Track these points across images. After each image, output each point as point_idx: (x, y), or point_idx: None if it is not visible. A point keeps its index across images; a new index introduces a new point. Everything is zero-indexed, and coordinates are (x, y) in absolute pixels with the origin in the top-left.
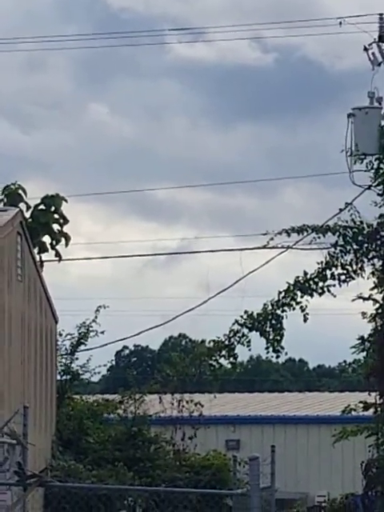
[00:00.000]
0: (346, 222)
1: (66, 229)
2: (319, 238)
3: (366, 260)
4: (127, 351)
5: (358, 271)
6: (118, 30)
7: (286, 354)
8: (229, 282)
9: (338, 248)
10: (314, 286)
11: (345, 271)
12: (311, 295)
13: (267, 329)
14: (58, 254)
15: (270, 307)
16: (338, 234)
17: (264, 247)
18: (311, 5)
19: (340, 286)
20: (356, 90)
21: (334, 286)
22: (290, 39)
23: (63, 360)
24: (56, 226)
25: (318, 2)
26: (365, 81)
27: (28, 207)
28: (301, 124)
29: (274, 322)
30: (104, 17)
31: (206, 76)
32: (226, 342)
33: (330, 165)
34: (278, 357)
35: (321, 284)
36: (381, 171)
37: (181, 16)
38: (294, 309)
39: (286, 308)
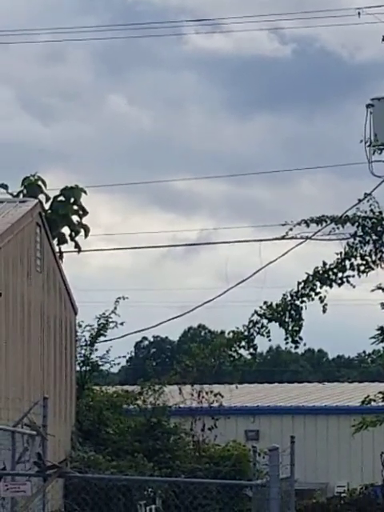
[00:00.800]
0: (365, 212)
1: (85, 220)
2: (338, 228)
3: None
4: (146, 342)
5: (377, 261)
6: (135, 22)
7: (305, 344)
8: (247, 273)
9: (357, 238)
10: (333, 277)
11: (364, 262)
12: (330, 286)
13: (286, 319)
14: (77, 246)
15: (289, 298)
16: (357, 224)
17: (283, 238)
18: None
19: (359, 276)
20: (374, 81)
21: (353, 276)
22: (308, 30)
23: (83, 351)
24: (75, 218)
25: None
26: (381, 71)
27: (47, 198)
28: (318, 115)
29: (293, 312)
30: (121, 8)
31: (224, 67)
32: (246, 333)
33: (347, 156)
34: (296, 347)
35: (340, 274)
36: None
37: (198, 8)
38: (313, 299)
39: (305, 298)
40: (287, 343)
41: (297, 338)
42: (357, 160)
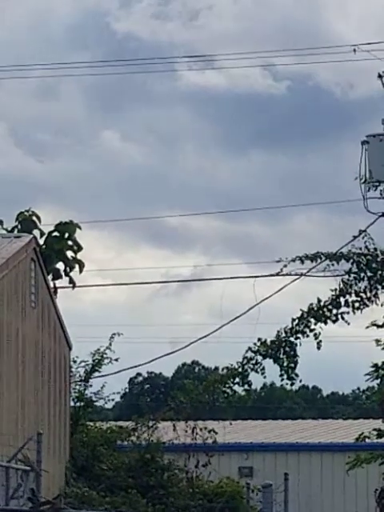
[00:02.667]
0: (360, 249)
1: (79, 255)
2: (333, 265)
3: (379, 287)
4: (140, 378)
5: (372, 298)
6: (127, 58)
7: (301, 381)
8: (241, 310)
9: (352, 275)
10: (328, 313)
11: (359, 298)
12: (325, 322)
13: (281, 356)
14: (71, 281)
15: (283, 334)
16: (351, 261)
17: (277, 274)
18: (323, 32)
19: (354, 313)
20: (368, 118)
21: (348, 313)
22: (302, 67)
23: (77, 387)
24: (70, 253)
25: (330, 29)
26: (378, 108)
27: (42, 234)
28: (312, 152)
29: (287, 349)
30: (114, 44)
31: (218, 103)
32: (240, 370)
33: (341, 193)
34: (292, 384)
35: (335, 311)
36: None
37: (190, 44)
38: (307, 336)
39: (299, 335)
40: (282, 380)
41: (292, 375)
42: (351, 197)
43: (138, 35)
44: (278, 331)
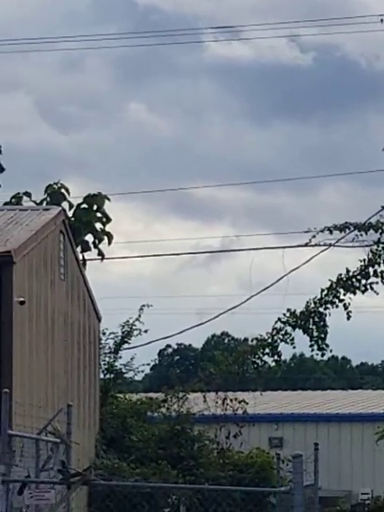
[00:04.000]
0: None
1: (107, 227)
2: (361, 235)
3: None
4: (170, 350)
5: None
6: (152, 29)
7: (331, 351)
8: (269, 281)
9: (381, 245)
10: (357, 284)
11: None
12: (354, 293)
13: (311, 327)
14: (100, 253)
15: (312, 305)
16: (380, 231)
17: (306, 245)
18: (348, 3)
19: (383, 283)
20: None
21: (377, 283)
22: (327, 38)
23: (107, 358)
24: (98, 225)
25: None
26: None
27: (71, 206)
28: (337, 123)
29: (317, 319)
30: (138, 17)
31: (243, 75)
32: (270, 340)
33: (366, 163)
34: (322, 355)
35: (363, 281)
36: None
37: (214, 16)
38: (337, 306)
39: (329, 306)
40: (313, 351)
41: (323, 346)
42: (376, 167)
43: (162, 7)
44: (308, 302)
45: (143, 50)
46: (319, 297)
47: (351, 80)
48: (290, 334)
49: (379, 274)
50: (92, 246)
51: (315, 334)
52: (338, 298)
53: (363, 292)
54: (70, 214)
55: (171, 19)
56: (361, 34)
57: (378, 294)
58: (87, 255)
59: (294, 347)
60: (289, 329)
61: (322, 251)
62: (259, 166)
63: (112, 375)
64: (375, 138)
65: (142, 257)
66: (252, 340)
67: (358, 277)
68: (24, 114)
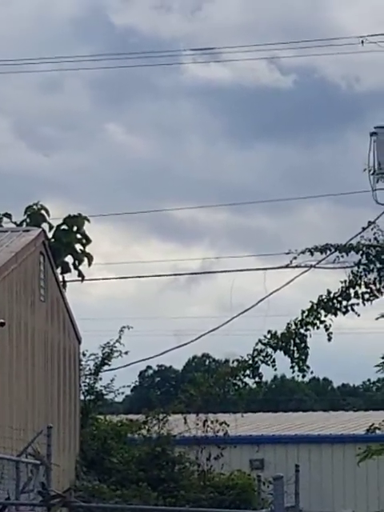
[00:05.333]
0: (369, 240)
1: (87, 249)
2: (342, 256)
3: None
4: (151, 371)
5: (382, 289)
6: (131, 51)
7: (312, 372)
8: (250, 302)
9: (362, 267)
10: (338, 305)
11: (368, 290)
12: (335, 314)
13: (291, 348)
14: (80, 274)
15: (293, 326)
16: (361, 252)
17: (287, 266)
18: (326, 24)
19: (364, 304)
20: (374, 110)
21: (358, 304)
22: (308, 60)
23: (87, 380)
24: (78, 246)
25: (333, 21)
26: (382, 100)
27: (50, 227)
28: (318, 144)
29: (298, 341)
30: (116, 38)
31: (222, 96)
32: (250, 362)
33: (347, 185)
34: (303, 376)
35: (344, 303)
36: None
37: (193, 38)
38: (317, 328)
39: (309, 327)
40: (293, 372)
41: (303, 367)
42: (357, 189)
43: (141, 28)
44: (288, 323)
45: (122, 71)
46: (300, 318)
47: (332, 102)
48: (271, 356)
49: (360, 296)
50: (72, 267)
51: (296, 355)
52: (319, 319)
53: (344, 313)
54: (49, 235)
55: (149, 41)
56: (341, 55)
57: (359, 315)
58: (67, 276)
59: (275, 369)
60: (270, 350)
61: (302, 273)
62: (239, 188)
63: (92, 397)
64: (356, 160)
65: (122, 278)
66: (233, 361)
67: (339, 298)
68: (3, 135)
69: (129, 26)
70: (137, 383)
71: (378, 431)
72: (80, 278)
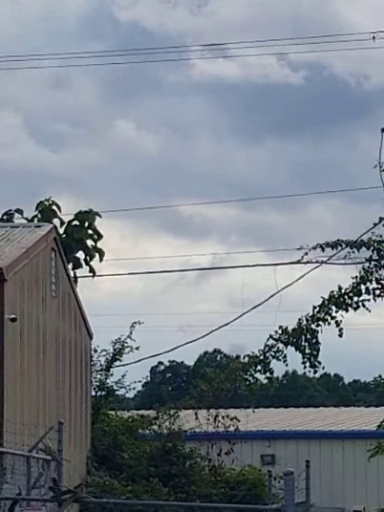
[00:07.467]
0: (381, 236)
1: (99, 244)
2: (353, 252)
3: None
4: (162, 367)
5: None
6: (139, 47)
7: (323, 368)
8: (259, 298)
9: (373, 262)
10: (349, 301)
11: (379, 286)
12: (346, 310)
13: (303, 343)
14: (92, 270)
15: (304, 322)
16: (372, 248)
17: (298, 262)
18: (334, 20)
19: (375, 300)
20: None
21: (369, 300)
22: (317, 56)
23: (98, 376)
24: (90, 242)
25: (342, 17)
26: None
27: (62, 223)
28: (327, 140)
29: (309, 336)
30: (125, 35)
31: (232, 92)
32: (262, 357)
33: (355, 181)
34: (315, 372)
35: (356, 299)
36: None
37: (202, 34)
38: (329, 323)
39: (321, 323)
40: (305, 368)
41: (315, 363)
42: (367, 184)
43: (147, 24)
44: (300, 319)
45: (130, 67)
46: (311, 314)
47: (342, 98)
48: (282, 351)
49: (371, 292)
50: (83, 262)
51: (307, 351)
52: (330, 315)
53: (355, 309)
54: (61, 230)
55: (156, 37)
56: (351, 51)
57: (370, 311)
58: (78, 272)
59: (287, 364)
60: (281, 346)
61: (313, 269)
62: (249, 184)
63: (104, 392)
64: (365, 155)
65: (133, 274)
66: (244, 357)
67: (350, 294)
68: (12, 132)
69: (134, 22)
70: (148, 379)
71: None
72: (91, 274)
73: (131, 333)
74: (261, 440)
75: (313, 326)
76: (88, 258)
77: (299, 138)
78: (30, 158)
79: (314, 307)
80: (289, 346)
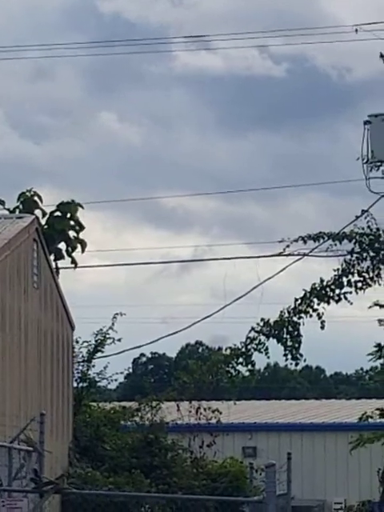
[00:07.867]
0: (363, 229)
1: (81, 236)
2: (335, 245)
3: (382, 267)
4: (144, 358)
5: (375, 278)
6: (121, 38)
7: (305, 360)
8: (241, 291)
9: (355, 255)
10: (331, 294)
11: (361, 278)
12: (328, 302)
13: (284, 336)
14: (73, 261)
15: (286, 314)
16: (354, 241)
17: (280, 254)
18: (317, 13)
19: (356, 293)
20: (366, 99)
21: (351, 293)
22: (300, 48)
23: (80, 367)
24: (72, 233)
25: (325, 10)
26: (375, 90)
27: (44, 214)
28: (309, 133)
29: (291, 329)
30: (107, 26)
31: (215, 85)
32: (243, 350)
33: (338, 173)
34: (296, 364)
35: (337, 291)
36: None
37: (184, 27)
38: (310, 316)
39: (302, 315)
40: (286, 360)
41: (296, 355)
42: (348, 177)
43: (128, 17)
44: (281, 311)
45: (113, 59)
46: (293, 306)
47: (324, 90)
48: (264, 344)
49: (353, 284)
50: (65, 253)
51: (289, 343)
52: (311, 307)
53: (337, 302)
54: (43, 221)
55: (138, 29)
56: (333, 44)
57: (351, 303)
58: (60, 263)
59: (268, 357)
60: (263, 338)
61: (295, 261)
62: (232, 176)
63: (85, 384)
64: (348, 149)
65: (115, 265)
66: (226, 349)
67: (332, 286)
68: None
69: (117, 13)
70: (130, 370)
71: (370, 420)
72: (73, 265)
73: (113, 324)
74: (242, 432)
75: (295, 319)
76: (70, 249)
77: (282, 130)
78: (12, 150)
79: (296, 299)
80: (271, 339)
